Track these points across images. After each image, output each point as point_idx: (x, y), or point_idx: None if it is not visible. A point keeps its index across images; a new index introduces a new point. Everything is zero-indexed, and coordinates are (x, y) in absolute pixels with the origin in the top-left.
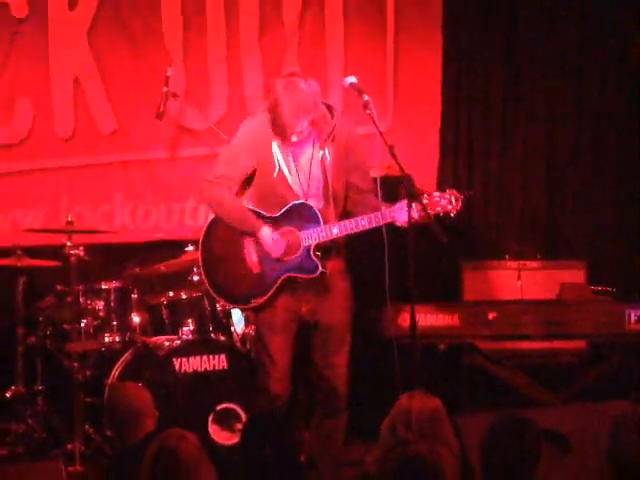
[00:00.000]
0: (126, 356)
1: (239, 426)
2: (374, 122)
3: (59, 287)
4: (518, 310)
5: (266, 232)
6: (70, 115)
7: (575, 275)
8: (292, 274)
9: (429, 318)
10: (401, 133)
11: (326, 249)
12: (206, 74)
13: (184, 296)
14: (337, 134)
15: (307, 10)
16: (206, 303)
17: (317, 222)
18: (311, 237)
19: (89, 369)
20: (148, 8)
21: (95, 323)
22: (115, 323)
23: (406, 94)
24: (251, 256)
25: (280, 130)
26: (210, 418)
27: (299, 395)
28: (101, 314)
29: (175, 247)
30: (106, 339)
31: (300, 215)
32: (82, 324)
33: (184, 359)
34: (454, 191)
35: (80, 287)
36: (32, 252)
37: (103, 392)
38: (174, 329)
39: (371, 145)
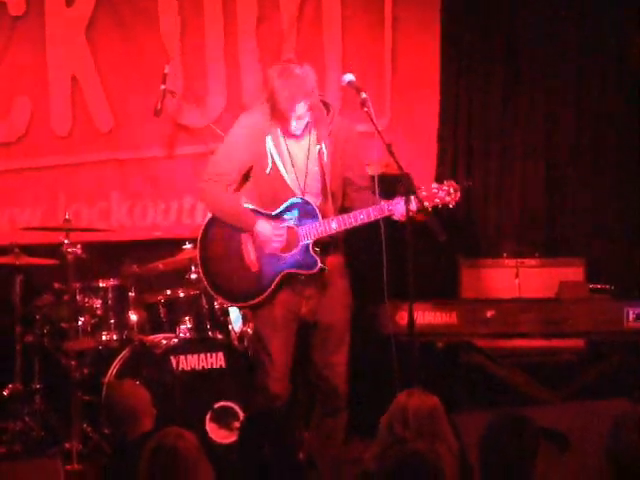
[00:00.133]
0: (123, 354)
1: (237, 424)
2: (372, 120)
3: (56, 285)
4: (516, 308)
5: (262, 225)
6: (68, 113)
7: (574, 273)
8: (291, 270)
9: (427, 316)
10: (399, 130)
11: (325, 245)
12: (204, 70)
13: (182, 294)
14: (334, 130)
15: (306, 0)
16: (204, 301)
17: (315, 218)
18: (310, 233)
19: (86, 367)
20: (145, 5)
21: (92, 321)
22: (112, 321)
23: (404, 83)
24: (249, 254)
25: (280, 115)
26: (208, 416)
27: (299, 394)
28: (98, 312)
29: (173, 245)
30: (103, 337)
31: (298, 211)
32: (79, 322)
33: (182, 357)
34: (452, 182)
35: (77, 285)
36: (29, 250)
37: (101, 390)
38: (172, 327)
39: (369, 143)
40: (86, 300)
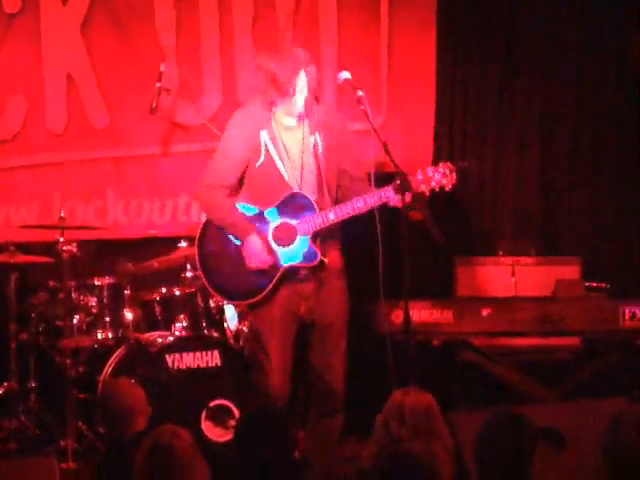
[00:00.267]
0: (119, 352)
1: (232, 423)
2: (368, 118)
3: (52, 283)
4: (512, 306)
5: (253, 240)
6: (63, 110)
7: (570, 271)
8: (292, 264)
9: (423, 314)
10: (395, 127)
11: (323, 238)
12: (199, 68)
13: (177, 292)
14: (327, 121)
15: None
16: (199, 299)
17: (313, 211)
18: (308, 226)
19: (82, 365)
20: (141, 3)
21: (88, 319)
22: (108, 319)
23: (400, 79)
24: None
25: (280, 88)
26: (203, 414)
27: (296, 393)
28: (94, 310)
29: (168, 243)
30: (99, 335)
31: (295, 205)
32: (75, 320)
33: (177, 355)
34: (448, 163)
35: (72, 283)
36: (25, 248)
37: (96, 388)
38: (167, 325)
39: (365, 141)
40: (81, 298)
